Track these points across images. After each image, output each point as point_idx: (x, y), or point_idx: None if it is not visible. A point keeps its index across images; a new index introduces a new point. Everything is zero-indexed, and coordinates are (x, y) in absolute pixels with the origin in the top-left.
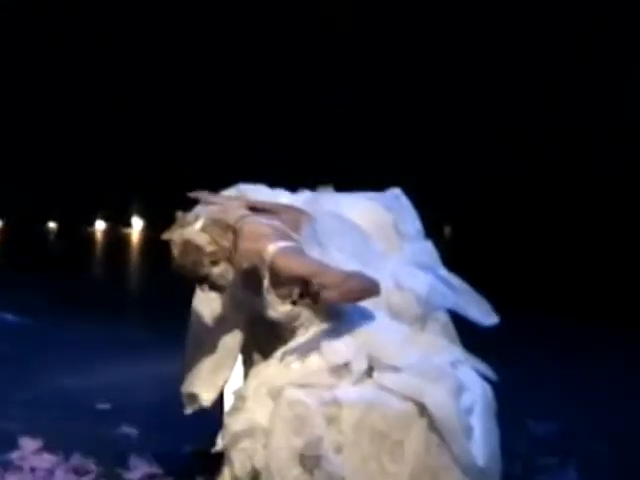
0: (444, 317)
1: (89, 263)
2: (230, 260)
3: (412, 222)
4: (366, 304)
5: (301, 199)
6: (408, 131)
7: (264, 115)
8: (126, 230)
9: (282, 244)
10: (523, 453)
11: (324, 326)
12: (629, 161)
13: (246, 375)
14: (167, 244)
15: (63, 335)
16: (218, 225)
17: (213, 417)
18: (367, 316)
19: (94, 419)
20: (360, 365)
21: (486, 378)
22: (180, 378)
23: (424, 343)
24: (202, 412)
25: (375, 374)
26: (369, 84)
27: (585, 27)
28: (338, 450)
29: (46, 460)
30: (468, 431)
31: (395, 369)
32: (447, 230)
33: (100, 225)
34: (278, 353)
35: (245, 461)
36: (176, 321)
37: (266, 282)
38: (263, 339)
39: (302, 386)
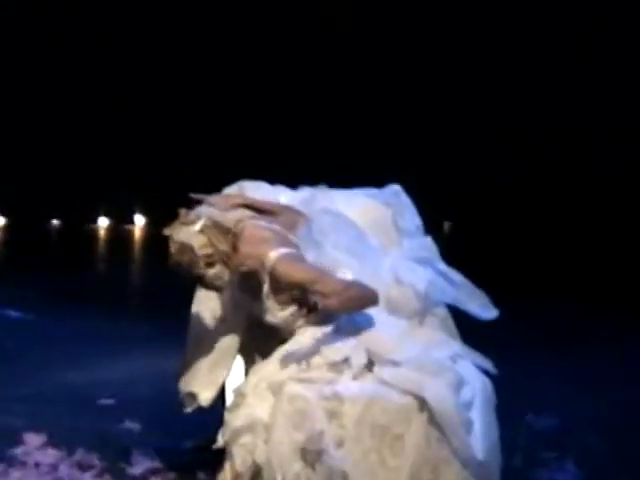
0: (443, 312)
1: (92, 260)
2: (227, 263)
3: (411, 218)
4: None
5: (300, 196)
6: (408, 128)
7: (264, 113)
8: (129, 227)
9: (283, 250)
10: (522, 447)
11: (322, 325)
12: (628, 157)
13: (247, 374)
14: (168, 240)
15: (66, 331)
16: (217, 228)
17: (215, 412)
18: (365, 312)
19: (97, 414)
20: (359, 360)
21: (486, 372)
22: (178, 377)
23: (423, 337)
24: (204, 408)
25: (375, 368)
26: (369, 81)
27: (585, 26)
28: (339, 444)
29: (50, 455)
30: (468, 425)
31: (395, 363)
32: (446, 226)
33: (103, 222)
34: (277, 352)
35: (246, 456)
36: (178, 317)
37: (266, 288)
38: (263, 338)
39: (302, 381)
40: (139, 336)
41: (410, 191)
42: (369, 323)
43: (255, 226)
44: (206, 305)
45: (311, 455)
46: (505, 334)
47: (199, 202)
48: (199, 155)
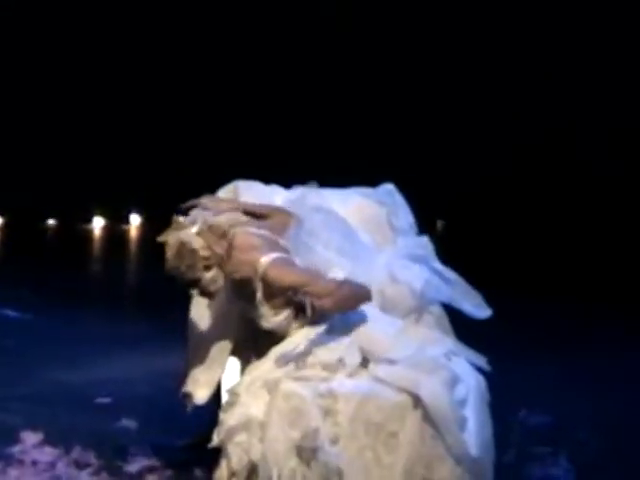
0: (438, 310)
1: (88, 260)
2: (221, 267)
3: (405, 216)
4: None
5: (293, 195)
6: (401, 127)
7: (259, 112)
8: (124, 226)
9: (274, 255)
10: (516, 443)
11: (316, 325)
12: (625, 157)
13: (242, 373)
14: (163, 246)
15: (63, 330)
16: (213, 231)
17: (212, 411)
18: (359, 311)
19: (94, 413)
20: (353, 360)
21: (480, 369)
22: (180, 376)
23: (418, 335)
24: (201, 406)
25: (370, 366)
26: (363, 80)
27: (585, 26)
28: (334, 441)
29: (47, 453)
30: (462, 422)
31: (390, 361)
32: (439, 224)
33: (98, 222)
34: (271, 352)
35: (242, 455)
36: (174, 316)
37: (259, 295)
38: (258, 339)
39: (298, 379)
40: (135, 335)
41: (403, 190)
42: (364, 322)
43: (245, 233)
44: (203, 308)
45: (306, 452)
46: (498, 332)
47: (192, 208)
48: (194, 154)
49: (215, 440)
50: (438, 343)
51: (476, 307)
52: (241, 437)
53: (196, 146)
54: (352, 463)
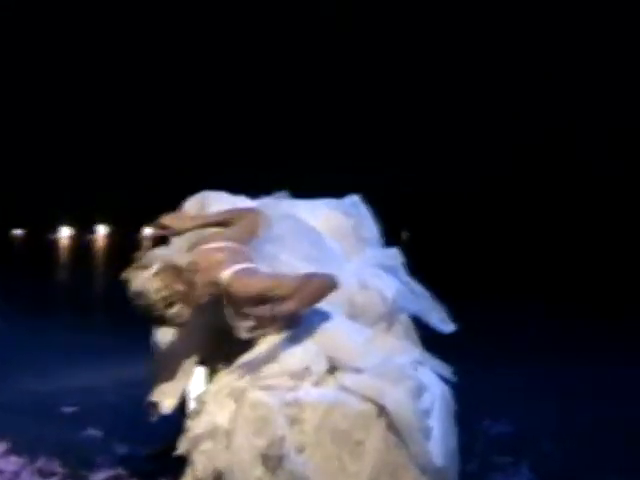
0: (406, 319)
1: (55, 269)
2: (186, 300)
3: (371, 228)
4: (327, 306)
5: (266, 202)
6: (365, 138)
7: (229, 120)
8: (91, 236)
9: (235, 267)
10: (480, 452)
11: (283, 333)
12: (586, 159)
13: (209, 382)
14: (131, 251)
15: (29, 339)
16: (171, 269)
17: (177, 420)
18: (327, 319)
19: (60, 422)
20: (319, 367)
21: (445, 379)
22: (146, 385)
23: (385, 344)
24: (167, 415)
25: (337, 374)
26: (331, 89)
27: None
28: (300, 450)
29: (12, 462)
30: (426, 431)
31: (356, 370)
32: (404, 235)
33: (65, 232)
34: (239, 361)
35: (207, 463)
36: (141, 326)
37: (227, 309)
38: (225, 347)
39: (264, 388)
40: (102, 344)
41: (368, 201)
42: (331, 330)
43: (206, 251)
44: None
45: (272, 461)
46: (465, 342)
47: (162, 227)
48: (160, 165)
49: (180, 449)
50: (405, 352)
51: (441, 321)
52: (207, 445)
53: (162, 157)
54: (318, 472)
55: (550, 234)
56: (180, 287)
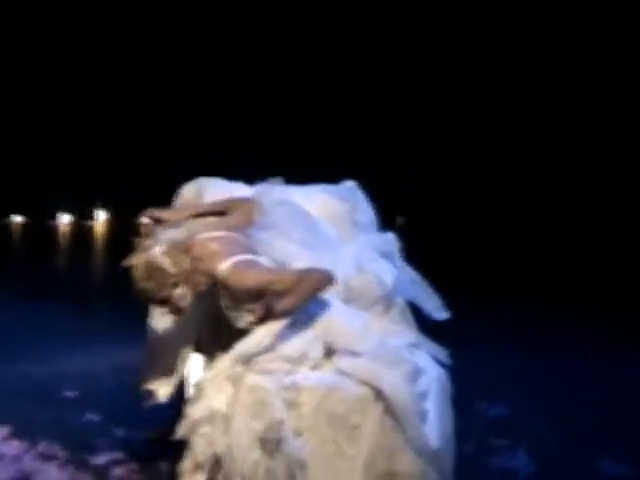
0: (402, 303)
1: (54, 255)
2: (188, 282)
3: (367, 213)
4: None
5: (261, 189)
6: (361, 125)
7: (226, 109)
8: (89, 222)
9: (233, 260)
10: (476, 435)
11: (280, 321)
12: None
13: (207, 368)
14: (129, 270)
15: (29, 325)
16: (178, 248)
17: (176, 404)
18: (324, 305)
19: (60, 406)
20: (316, 352)
21: (441, 362)
22: (141, 374)
23: (381, 328)
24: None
25: (334, 358)
26: (324, 77)
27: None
28: (298, 433)
29: (14, 447)
30: (423, 414)
31: (353, 354)
32: (400, 221)
33: (64, 218)
34: (236, 347)
35: (206, 447)
36: (139, 312)
37: (224, 301)
38: (221, 334)
39: (262, 372)
40: (101, 330)
41: (364, 187)
42: (328, 315)
43: (203, 241)
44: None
45: (270, 444)
46: (461, 326)
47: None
48: (159, 152)
49: (179, 433)
50: (401, 336)
51: (435, 308)
52: (205, 430)
53: (160, 144)
54: (315, 455)
55: (545, 226)
56: (186, 265)
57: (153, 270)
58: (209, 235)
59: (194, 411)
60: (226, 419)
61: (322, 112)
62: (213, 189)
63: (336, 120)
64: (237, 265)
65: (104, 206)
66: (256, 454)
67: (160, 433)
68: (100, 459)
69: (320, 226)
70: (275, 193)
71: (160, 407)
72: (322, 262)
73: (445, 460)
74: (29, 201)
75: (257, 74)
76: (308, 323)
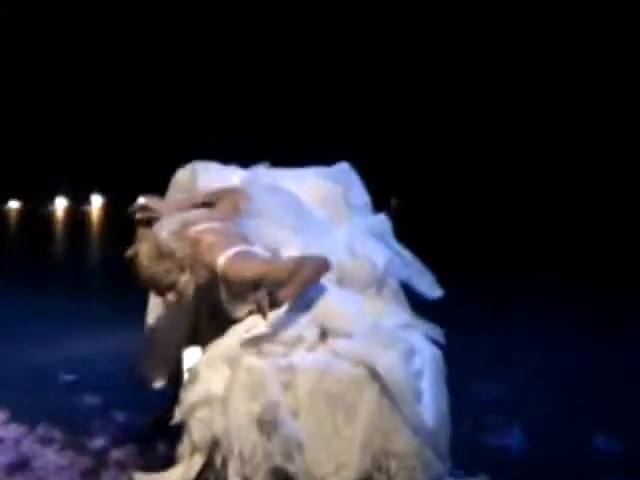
0: (395, 284)
1: (51, 240)
2: (191, 269)
3: (360, 195)
4: None
5: (249, 175)
6: (355, 107)
7: (218, 93)
8: (86, 207)
9: (230, 252)
10: (470, 413)
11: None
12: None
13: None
14: (133, 259)
15: (28, 310)
16: (179, 234)
17: (174, 387)
18: (318, 288)
19: (59, 390)
20: (312, 335)
21: (435, 342)
22: (138, 360)
23: (375, 309)
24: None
25: (329, 340)
26: (320, 59)
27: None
28: (294, 414)
29: (13, 430)
30: (418, 394)
31: (348, 335)
32: (393, 202)
33: (61, 203)
34: (232, 330)
35: (204, 430)
36: (137, 296)
37: (223, 293)
38: (217, 320)
39: (258, 354)
40: (98, 313)
41: (358, 168)
42: (323, 298)
43: (199, 233)
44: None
45: (267, 426)
46: (453, 304)
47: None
48: (154, 136)
49: (177, 416)
50: (394, 316)
51: (429, 287)
52: (203, 412)
53: (156, 128)
54: (312, 435)
55: (540, 202)
56: (189, 250)
57: (161, 253)
58: (204, 227)
59: (191, 394)
60: (223, 401)
61: (317, 97)
62: (207, 173)
63: (336, 104)
64: (235, 257)
65: (101, 191)
66: (254, 435)
67: (159, 416)
68: (99, 442)
69: (311, 212)
70: (263, 179)
71: (159, 391)
72: (314, 247)
73: (441, 439)
74: (24, 186)
75: (251, 60)
76: (303, 306)
